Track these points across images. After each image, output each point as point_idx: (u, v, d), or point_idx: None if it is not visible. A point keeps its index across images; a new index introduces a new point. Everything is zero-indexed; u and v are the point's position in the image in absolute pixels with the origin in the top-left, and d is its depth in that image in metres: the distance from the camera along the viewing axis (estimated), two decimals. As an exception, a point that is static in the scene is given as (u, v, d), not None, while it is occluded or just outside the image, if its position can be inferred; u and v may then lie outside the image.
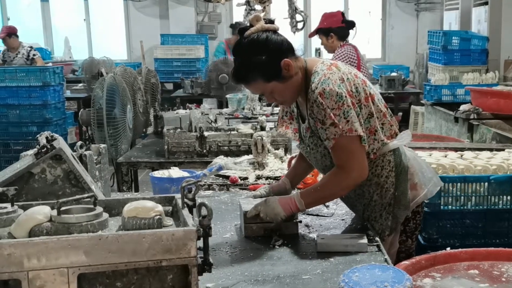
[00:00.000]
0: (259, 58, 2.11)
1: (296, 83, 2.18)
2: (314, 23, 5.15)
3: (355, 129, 2.07)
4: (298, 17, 5.47)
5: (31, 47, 8.37)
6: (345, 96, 2.07)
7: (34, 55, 8.25)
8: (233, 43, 7.93)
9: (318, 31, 4.83)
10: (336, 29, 4.73)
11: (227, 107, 5.81)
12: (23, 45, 8.31)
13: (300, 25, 5.48)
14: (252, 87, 2.23)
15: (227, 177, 3.03)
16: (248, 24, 2.15)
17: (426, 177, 2.31)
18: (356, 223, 2.28)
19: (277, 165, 3.17)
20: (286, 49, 2.16)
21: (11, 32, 8.22)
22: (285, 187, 2.39)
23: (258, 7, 7.11)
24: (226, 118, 4.65)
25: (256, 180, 2.98)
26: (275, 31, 2.15)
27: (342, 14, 4.86)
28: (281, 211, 2.10)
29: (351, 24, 4.84)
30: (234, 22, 8.67)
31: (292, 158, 3.04)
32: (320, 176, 2.76)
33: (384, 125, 2.22)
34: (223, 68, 6.91)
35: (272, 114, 4.97)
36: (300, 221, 2.20)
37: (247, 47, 2.14)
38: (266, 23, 2.15)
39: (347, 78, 2.12)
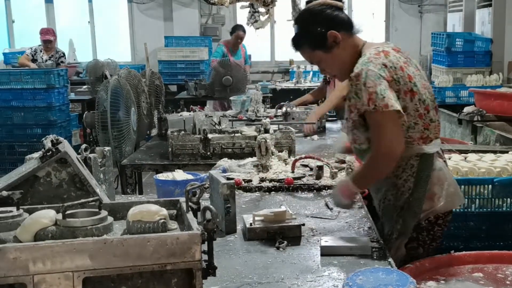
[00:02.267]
0: (309, 26, 2.27)
1: (343, 57, 2.26)
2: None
3: (391, 104, 2.07)
4: (302, 19, 5.47)
5: (64, 53, 8.50)
6: (384, 79, 2.10)
7: (62, 61, 8.33)
8: (232, 44, 7.98)
9: None
10: None
11: (230, 109, 5.81)
12: (57, 50, 8.42)
13: (303, 27, 5.49)
14: (302, 54, 2.35)
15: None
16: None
17: (447, 191, 2.23)
18: (360, 226, 2.28)
19: (281, 168, 3.16)
20: (339, 23, 2.25)
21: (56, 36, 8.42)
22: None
23: (262, 9, 7.13)
24: (230, 120, 4.65)
25: (260, 183, 2.98)
26: (337, 7, 2.26)
27: None
28: (340, 198, 2.26)
29: None
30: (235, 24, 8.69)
31: (296, 161, 3.04)
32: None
33: (416, 125, 2.19)
34: (226, 70, 6.92)
35: (275, 116, 4.96)
36: (303, 224, 2.20)
37: (301, 16, 2.35)
38: None
39: (391, 66, 2.15)
